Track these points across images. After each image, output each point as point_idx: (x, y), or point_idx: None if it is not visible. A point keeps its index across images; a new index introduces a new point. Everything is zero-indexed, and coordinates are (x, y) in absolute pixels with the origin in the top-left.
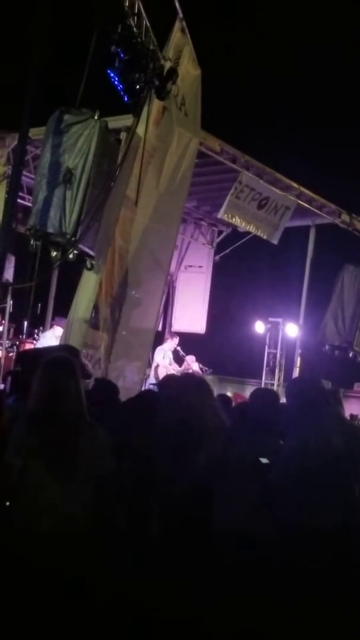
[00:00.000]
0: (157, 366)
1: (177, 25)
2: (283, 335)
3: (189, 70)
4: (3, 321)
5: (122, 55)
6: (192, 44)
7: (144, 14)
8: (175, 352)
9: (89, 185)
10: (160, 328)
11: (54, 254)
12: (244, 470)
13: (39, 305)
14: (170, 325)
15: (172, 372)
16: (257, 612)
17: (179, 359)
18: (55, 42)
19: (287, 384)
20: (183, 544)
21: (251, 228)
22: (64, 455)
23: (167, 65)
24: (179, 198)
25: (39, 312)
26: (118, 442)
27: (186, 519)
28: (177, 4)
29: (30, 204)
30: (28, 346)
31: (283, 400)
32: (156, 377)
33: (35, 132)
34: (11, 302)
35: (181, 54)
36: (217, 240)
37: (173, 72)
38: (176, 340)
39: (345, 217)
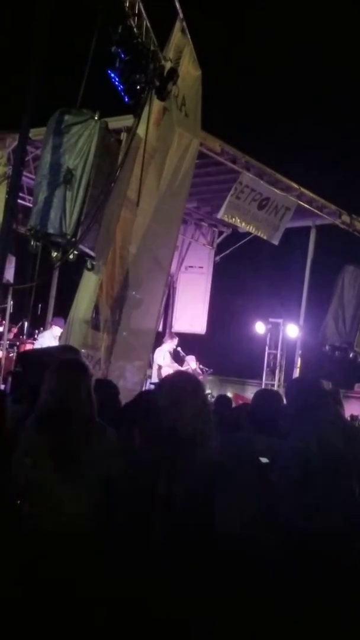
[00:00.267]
0: (160, 367)
1: (178, 25)
2: (283, 335)
3: (189, 71)
4: (4, 322)
5: (122, 55)
6: (192, 44)
7: (144, 15)
8: (175, 353)
9: (89, 186)
10: (160, 328)
11: (54, 254)
12: (245, 471)
13: (40, 305)
14: (171, 326)
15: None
16: (258, 613)
17: (179, 360)
18: (56, 43)
19: (287, 385)
20: (184, 545)
21: (251, 229)
22: (72, 456)
23: (168, 65)
24: (179, 199)
25: (39, 312)
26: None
27: (187, 520)
28: (177, 5)
29: (30, 205)
30: (28, 347)
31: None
32: (159, 377)
33: (36, 133)
34: (12, 302)
35: (181, 54)
36: (218, 240)
37: (173, 73)
38: (175, 340)
39: (345, 217)
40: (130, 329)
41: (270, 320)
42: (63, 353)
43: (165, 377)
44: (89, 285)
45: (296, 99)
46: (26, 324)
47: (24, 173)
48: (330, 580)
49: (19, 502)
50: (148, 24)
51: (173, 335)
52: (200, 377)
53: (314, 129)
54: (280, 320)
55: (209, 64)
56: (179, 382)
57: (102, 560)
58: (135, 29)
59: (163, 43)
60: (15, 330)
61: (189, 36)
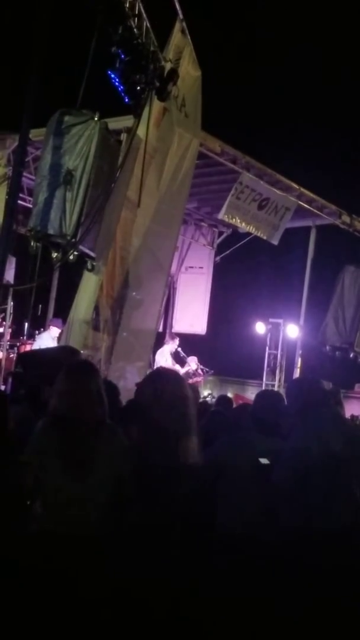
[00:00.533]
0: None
1: (178, 26)
2: (284, 336)
3: (189, 71)
4: (4, 322)
5: (122, 56)
6: (192, 45)
7: (144, 15)
8: (175, 353)
9: (89, 187)
10: (160, 329)
11: (54, 255)
12: (246, 471)
13: (40, 306)
14: (171, 326)
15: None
16: (259, 613)
17: (180, 360)
18: (56, 43)
19: (287, 385)
20: (185, 546)
21: (251, 229)
22: (82, 456)
23: (168, 66)
24: (179, 199)
25: (39, 313)
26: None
27: (189, 520)
28: (177, 5)
29: (30, 206)
30: (29, 347)
31: None
32: None
33: (36, 134)
34: (12, 303)
35: (181, 55)
36: (218, 241)
37: (173, 73)
38: (176, 341)
39: (345, 217)
40: (130, 329)
41: (271, 320)
42: (63, 354)
43: (146, 375)
44: (89, 286)
45: (296, 99)
46: (26, 324)
47: (24, 174)
48: (331, 580)
49: (28, 502)
50: (148, 25)
51: (174, 335)
52: (201, 378)
53: (314, 129)
54: (280, 321)
55: (208, 64)
56: (157, 378)
57: (109, 561)
58: (135, 30)
59: (163, 44)
60: (7, 324)
61: (188, 37)
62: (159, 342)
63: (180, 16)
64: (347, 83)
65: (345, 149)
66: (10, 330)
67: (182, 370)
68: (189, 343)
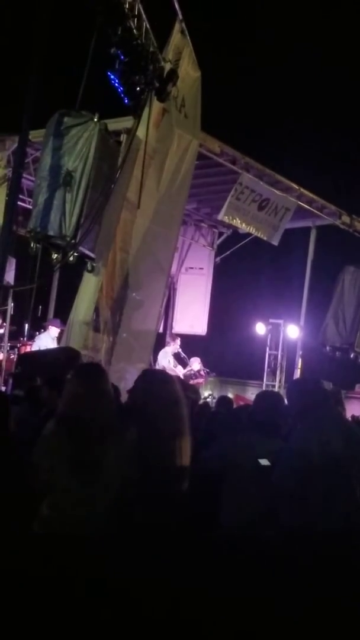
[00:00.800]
0: (164, 369)
1: (177, 26)
2: (284, 336)
3: (188, 72)
4: (4, 323)
5: (122, 57)
6: (191, 46)
7: (143, 16)
8: (177, 354)
9: (88, 188)
10: (161, 330)
11: (54, 256)
12: (246, 472)
13: (40, 307)
14: (171, 327)
15: (178, 374)
16: (259, 613)
17: (181, 361)
18: (56, 44)
19: (288, 386)
20: (185, 546)
21: (251, 229)
22: (90, 459)
23: (167, 66)
24: (179, 200)
25: (39, 314)
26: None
27: (189, 521)
28: (176, 6)
29: (30, 207)
30: (29, 348)
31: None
32: None
33: (36, 135)
34: (12, 304)
35: (181, 55)
36: (218, 242)
37: (173, 74)
38: (178, 342)
39: (345, 218)
40: (130, 330)
41: (271, 321)
42: (63, 355)
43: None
44: (89, 287)
45: (296, 100)
46: (26, 325)
47: (24, 175)
48: (331, 580)
49: (35, 503)
50: (147, 26)
51: (175, 336)
52: (203, 380)
53: (314, 129)
54: (280, 321)
55: (208, 64)
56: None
57: (109, 561)
58: (134, 31)
59: (162, 44)
60: (7, 325)
61: (188, 37)
62: (159, 343)
63: (180, 17)
64: (347, 83)
65: (345, 149)
66: (10, 331)
67: (183, 371)
68: (189, 344)
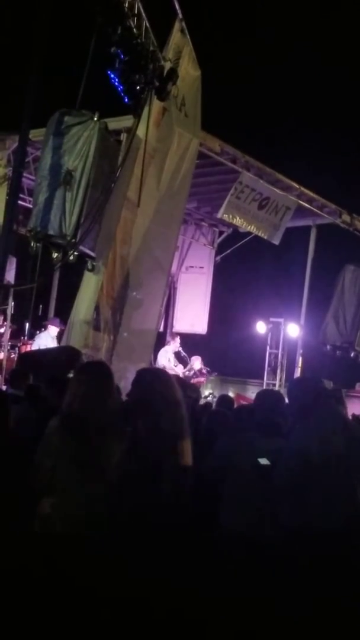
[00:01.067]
0: (164, 368)
1: (177, 25)
2: (284, 335)
3: (189, 71)
4: (5, 323)
5: (122, 56)
6: (191, 45)
7: (143, 15)
8: (177, 353)
9: (89, 187)
10: (161, 329)
11: (54, 255)
12: (246, 471)
13: (40, 306)
14: (172, 326)
15: (178, 373)
16: (259, 613)
17: (181, 360)
18: (56, 43)
19: (288, 385)
20: (186, 546)
21: (252, 228)
22: (93, 458)
23: (167, 65)
24: (179, 199)
25: (40, 313)
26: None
27: (189, 521)
28: (176, 5)
29: (31, 206)
30: (29, 348)
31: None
32: None
33: (36, 134)
34: (12, 303)
35: (181, 54)
36: (218, 240)
37: (173, 73)
38: (178, 340)
39: (345, 217)
40: (131, 329)
41: (271, 319)
42: (64, 354)
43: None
44: (89, 286)
45: (296, 99)
46: (27, 325)
47: (25, 174)
48: (331, 580)
49: (38, 501)
50: (147, 25)
51: (174, 335)
52: (204, 379)
53: (314, 128)
54: (281, 320)
55: (208, 63)
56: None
57: (109, 561)
58: (134, 30)
59: (162, 43)
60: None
61: (188, 36)
62: (160, 342)
63: (180, 16)
64: (347, 82)
65: (345, 148)
66: (10, 330)
67: (184, 370)
68: (190, 343)
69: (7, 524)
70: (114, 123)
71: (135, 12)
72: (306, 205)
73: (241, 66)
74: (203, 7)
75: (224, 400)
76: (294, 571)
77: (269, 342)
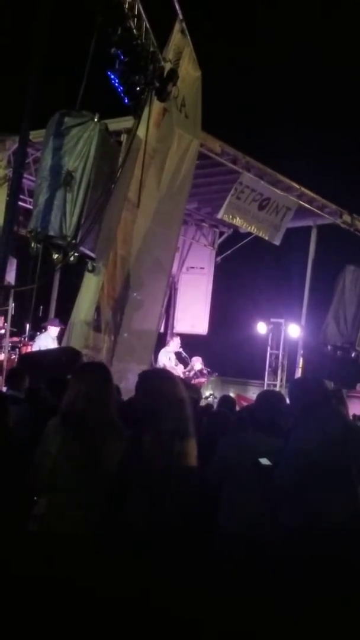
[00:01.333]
0: (164, 367)
1: (177, 26)
2: (285, 336)
3: (189, 72)
4: (5, 324)
5: (122, 57)
6: (192, 45)
7: (143, 16)
8: (177, 353)
9: (89, 188)
10: (162, 330)
11: (55, 256)
12: (247, 471)
13: (41, 307)
14: (172, 327)
15: (178, 373)
16: (259, 613)
17: (182, 360)
18: (56, 44)
19: (289, 385)
20: (186, 546)
21: (252, 229)
22: (91, 458)
23: (167, 66)
24: (179, 200)
25: (40, 314)
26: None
27: (189, 521)
28: (177, 6)
29: (31, 207)
30: (30, 349)
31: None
32: None
33: (36, 135)
34: (13, 304)
35: (181, 55)
36: (219, 241)
37: (173, 74)
38: (178, 340)
39: (346, 217)
40: (131, 330)
41: (272, 320)
42: (64, 355)
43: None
44: (90, 287)
45: (296, 99)
46: (27, 325)
47: (25, 175)
48: (331, 580)
49: (36, 499)
50: (147, 25)
51: (174, 335)
52: (205, 379)
53: (314, 128)
54: (281, 321)
55: (208, 64)
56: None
57: (109, 561)
58: (134, 30)
59: (163, 44)
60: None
61: (188, 37)
62: (160, 342)
63: (180, 16)
64: (347, 82)
65: (346, 149)
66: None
67: (184, 370)
68: (190, 343)
69: (7, 524)
70: (114, 124)
71: (136, 12)
72: (307, 205)
73: (241, 66)
74: (203, 7)
75: (225, 400)
76: (294, 571)
77: (269, 342)
